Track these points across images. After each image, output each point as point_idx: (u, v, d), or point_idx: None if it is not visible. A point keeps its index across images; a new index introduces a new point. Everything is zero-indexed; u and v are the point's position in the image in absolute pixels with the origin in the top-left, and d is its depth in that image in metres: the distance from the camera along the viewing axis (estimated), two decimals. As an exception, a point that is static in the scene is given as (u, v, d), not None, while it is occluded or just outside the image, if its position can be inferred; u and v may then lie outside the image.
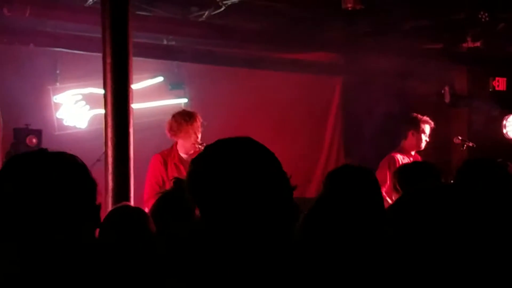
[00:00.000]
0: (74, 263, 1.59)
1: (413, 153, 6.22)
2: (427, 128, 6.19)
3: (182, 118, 5.39)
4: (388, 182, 5.87)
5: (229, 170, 1.64)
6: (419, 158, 6.24)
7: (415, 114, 6.38)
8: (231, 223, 1.61)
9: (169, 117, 5.59)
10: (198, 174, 1.68)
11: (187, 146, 5.41)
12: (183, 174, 5.35)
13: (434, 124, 6.35)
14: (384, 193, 5.72)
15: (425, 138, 6.19)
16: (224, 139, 1.74)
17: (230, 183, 1.62)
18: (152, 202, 3.22)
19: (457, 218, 1.58)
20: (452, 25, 7.66)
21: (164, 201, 3.07)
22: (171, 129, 5.42)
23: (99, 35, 4.62)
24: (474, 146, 6.82)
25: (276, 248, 1.63)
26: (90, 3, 6.53)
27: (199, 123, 5.38)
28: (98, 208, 1.72)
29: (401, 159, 6.06)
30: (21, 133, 7.01)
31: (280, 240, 1.65)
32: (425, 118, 6.27)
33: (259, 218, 1.62)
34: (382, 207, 2.77)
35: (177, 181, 3.18)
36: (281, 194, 1.68)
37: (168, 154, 5.46)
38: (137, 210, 2.88)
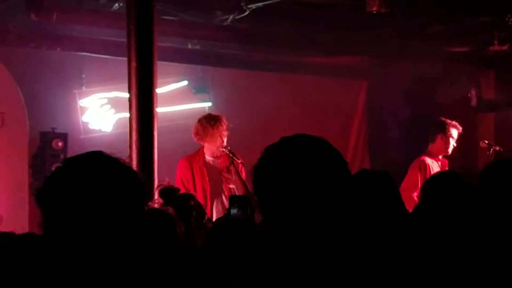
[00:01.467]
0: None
1: (440, 157, 6.17)
2: (455, 133, 6.14)
3: (208, 122, 5.41)
4: (419, 185, 5.84)
5: (301, 167, 1.63)
6: (446, 162, 6.19)
7: (443, 118, 6.32)
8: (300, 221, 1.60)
9: (194, 120, 5.62)
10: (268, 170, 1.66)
11: (213, 150, 5.43)
12: (206, 177, 5.39)
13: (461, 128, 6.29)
14: (415, 197, 5.69)
15: (453, 142, 6.14)
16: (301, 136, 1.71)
17: (301, 179, 1.61)
18: None
19: (477, 220, 1.57)
20: (479, 28, 7.58)
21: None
22: (197, 133, 5.45)
23: (125, 40, 4.66)
24: (501, 150, 6.73)
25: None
26: (116, 8, 6.59)
27: (224, 127, 5.40)
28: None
29: (431, 162, 6.03)
30: (47, 137, 7.09)
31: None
32: (454, 122, 6.22)
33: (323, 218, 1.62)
34: (402, 208, 2.75)
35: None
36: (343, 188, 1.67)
37: (194, 158, 5.49)
38: (166, 214, 2.89)
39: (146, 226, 1.72)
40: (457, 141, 6.22)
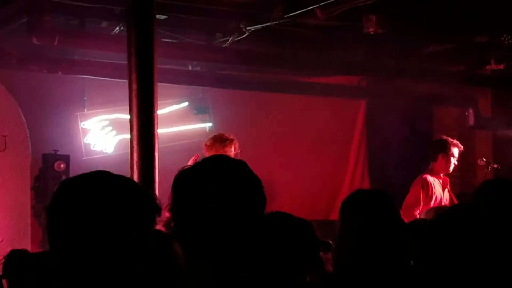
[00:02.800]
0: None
1: (442, 175, 6.20)
2: (456, 151, 6.17)
3: (219, 140, 5.49)
4: (422, 203, 5.90)
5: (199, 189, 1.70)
6: (447, 180, 6.23)
7: (445, 137, 6.36)
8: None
9: (194, 141, 5.69)
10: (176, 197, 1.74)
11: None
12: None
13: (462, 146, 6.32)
14: (417, 214, 5.74)
15: (454, 161, 6.16)
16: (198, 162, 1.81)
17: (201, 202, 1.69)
18: None
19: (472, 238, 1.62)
20: (475, 47, 7.67)
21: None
22: (205, 149, 5.53)
23: (125, 62, 4.74)
24: (499, 168, 6.79)
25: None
26: (117, 31, 6.69)
27: (233, 148, 5.46)
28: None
29: (432, 180, 6.08)
30: (49, 159, 7.15)
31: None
32: (455, 141, 6.25)
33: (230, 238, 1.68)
34: (401, 226, 2.78)
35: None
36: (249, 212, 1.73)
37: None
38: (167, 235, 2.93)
39: (149, 245, 1.76)
40: (458, 159, 6.26)
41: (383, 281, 2.50)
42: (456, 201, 6.23)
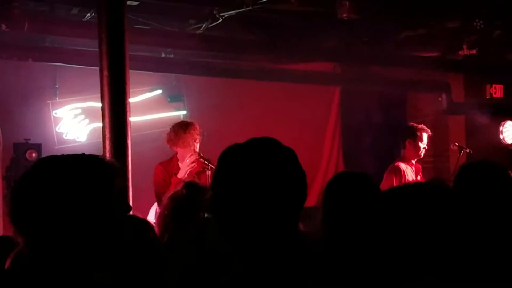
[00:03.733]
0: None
1: (414, 161, 6.23)
2: (424, 136, 6.21)
3: (181, 128, 5.45)
4: None
5: (251, 169, 1.66)
6: (419, 167, 6.27)
7: (411, 123, 6.45)
8: (247, 222, 1.64)
9: (169, 129, 5.64)
10: (222, 172, 1.70)
11: (186, 155, 5.45)
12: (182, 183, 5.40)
13: (432, 131, 6.37)
14: None
15: (423, 146, 6.20)
16: (251, 140, 1.76)
17: (251, 182, 1.64)
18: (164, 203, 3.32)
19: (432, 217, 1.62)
20: (447, 33, 7.71)
21: (179, 203, 3.17)
22: (169, 139, 5.48)
23: (97, 49, 4.67)
24: (471, 152, 6.85)
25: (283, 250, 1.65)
26: (88, 18, 6.59)
27: (197, 132, 5.43)
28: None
29: (405, 167, 6.10)
30: (21, 148, 7.06)
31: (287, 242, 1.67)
32: (421, 126, 6.29)
33: (272, 219, 1.65)
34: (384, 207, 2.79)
35: (188, 184, 3.29)
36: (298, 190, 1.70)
37: (168, 165, 5.51)
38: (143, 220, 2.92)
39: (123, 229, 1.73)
40: (428, 144, 6.30)
41: (369, 259, 2.51)
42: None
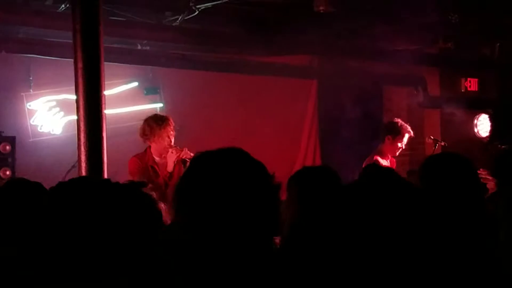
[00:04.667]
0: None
1: (389, 156, 6.19)
2: (405, 137, 6.10)
3: (155, 121, 5.40)
4: None
5: (218, 180, 1.65)
6: (394, 161, 6.24)
7: (396, 120, 6.27)
8: (215, 231, 1.63)
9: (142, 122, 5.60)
10: (188, 183, 1.69)
11: (160, 150, 5.42)
12: (159, 175, 5.38)
13: (407, 124, 6.28)
14: None
15: (401, 145, 6.12)
16: (214, 150, 1.75)
17: (218, 193, 1.63)
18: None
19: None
20: (423, 27, 7.75)
21: None
22: (143, 133, 5.43)
23: (72, 41, 4.62)
24: (446, 145, 6.91)
25: (259, 255, 1.64)
26: (62, 9, 6.51)
27: (171, 127, 5.40)
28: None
29: (382, 161, 6.08)
30: (-6, 141, 6.96)
31: (262, 248, 1.66)
32: (405, 126, 6.13)
33: (242, 227, 1.63)
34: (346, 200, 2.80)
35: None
36: (266, 204, 1.68)
37: (143, 158, 5.47)
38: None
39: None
40: (406, 144, 6.23)
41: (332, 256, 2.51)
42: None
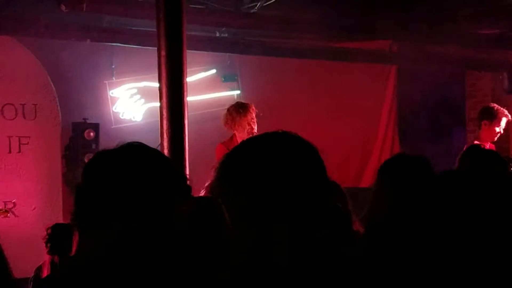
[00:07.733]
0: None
1: (489, 142, 5.94)
2: (502, 121, 5.88)
3: (236, 110, 5.45)
4: None
5: (263, 164, 1.62)
6: (493, 147, 5.99)
7: (492, 105, 6.06)
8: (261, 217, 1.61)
9: (223, 109, 5.65)
10: (230, 168, 1.68)
11: (243, 137, 5.46)
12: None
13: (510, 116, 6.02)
14: None
15: (498, 130, 5.88)
16: (259, 135, 1.73)
17: (264, 177, 1.61)
18: None
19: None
20: (509, 9, 7.45)
21: None
22: (226, 122, 5.49)
23: (154, 29, 4.70)
24: None
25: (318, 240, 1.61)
26: (145, -2, 6.62)
27: (253, 114, 5.42)
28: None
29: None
30: (79, 127, 7.20)
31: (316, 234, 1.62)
32: (501, 109, 5.93)
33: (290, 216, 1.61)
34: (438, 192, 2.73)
35: None
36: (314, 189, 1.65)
37: (230, 143, 5.54)
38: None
39: (191, 214, 1.72)
40: (505, 128, 6.00)
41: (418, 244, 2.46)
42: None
